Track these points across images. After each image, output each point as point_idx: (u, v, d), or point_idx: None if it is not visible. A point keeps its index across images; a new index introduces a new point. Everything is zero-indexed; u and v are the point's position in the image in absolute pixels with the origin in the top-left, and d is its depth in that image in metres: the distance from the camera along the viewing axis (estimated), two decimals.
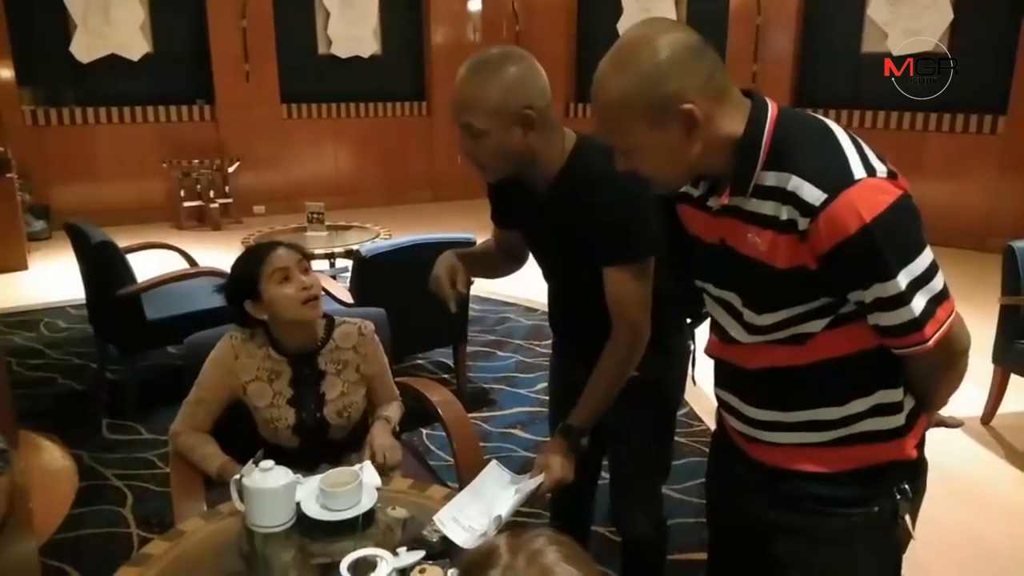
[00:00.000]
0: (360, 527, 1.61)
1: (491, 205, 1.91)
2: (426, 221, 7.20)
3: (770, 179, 1.16)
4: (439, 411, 2.22)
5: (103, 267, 3.54)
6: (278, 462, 1.64)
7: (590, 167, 1.62)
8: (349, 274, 3.67)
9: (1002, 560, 2.64)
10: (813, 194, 1.11)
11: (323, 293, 2.02)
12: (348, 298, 3.39)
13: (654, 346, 1.69)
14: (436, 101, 8.53)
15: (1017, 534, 2.77)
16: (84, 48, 7.14)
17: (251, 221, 7.46)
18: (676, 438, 2.06)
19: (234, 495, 1.65)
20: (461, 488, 1.72)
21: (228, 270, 2.10)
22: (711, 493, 1.59)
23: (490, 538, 1.26)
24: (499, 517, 1.52)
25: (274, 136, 7.94)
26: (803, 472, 1.29)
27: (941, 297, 1.14)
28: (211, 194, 7.52)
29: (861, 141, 1.17)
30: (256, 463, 1.62)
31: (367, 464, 1.81)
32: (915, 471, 1.31)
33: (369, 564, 1.44)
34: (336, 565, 1.45)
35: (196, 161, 7.58)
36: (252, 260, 1.97)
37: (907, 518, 1.29)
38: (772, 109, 1.19)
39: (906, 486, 1.28)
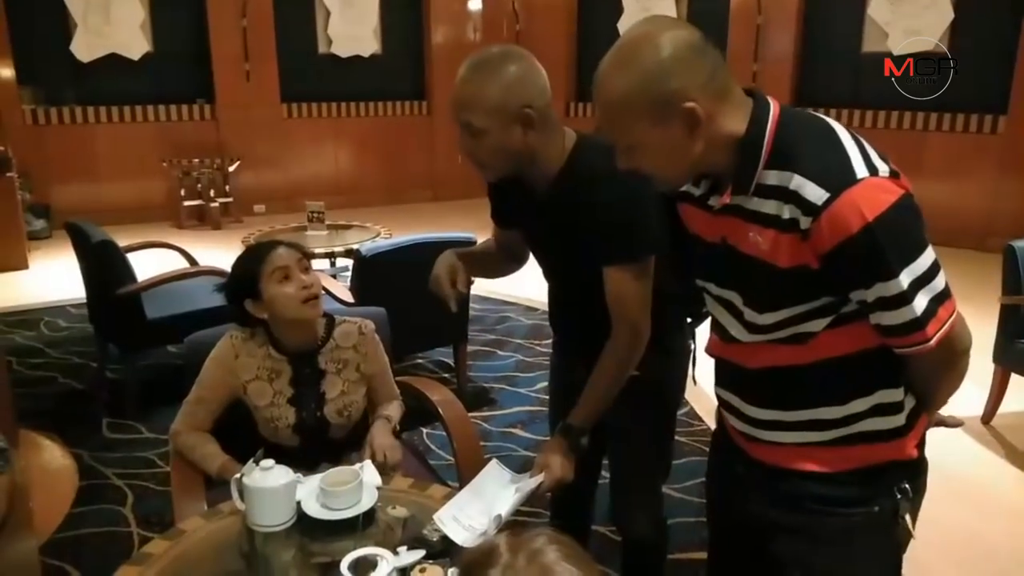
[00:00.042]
0: (360, 526, 1.61)
1: (491, 204, 1.91)
2: (426, 220, 7.20)
3: (772, 178, 1.16)
4: (439, 410, 2.22)
5: (103, 266, 3.54)
6: (278, 461, 1.64)
7: (590, 166, 1.62)
8: (349, 273, 3.67)
9: (1002, 560, 2.64)
10: (815, 193, 1.11)
11: (323, 292, 2.02)
12: (348, 297, 3.39)
13: (654, 345, 1.69)
14: (436, 100, 8.53)
15: (1017, 534, 2.77)
16: (84, 47, 7.15)
17: (251, 220, 7.46)
18: (676, 437, 2.06)
19: (234, 494, 1.65)
20: (461, 487, 1.72)
21: (228, 269, 2.10)
22: (711, 492, 1.59)
23: (490, 537, 1.26)
24: (499, 516, 1.52)
25: (274, 135, 7.94)
26: (803, 471, 1.29)
27: (943, 297, 1.14)
28: (211, 193, 7.53)
29: (863, 140, 1.17)
30: (256, 462, 1.62)
31: (367, 463, 1.81)
32: (915, 471, 1.31)
33: (369, 563, 1.44)
34: (336, 564, 1.45)
35: (196, 160, 7.58)
36: (252, 259, 1.97)
37: (907, 518, 1.29)
38: (774, 108, 1.19)
39: (906, 486, 1.28)
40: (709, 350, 1.43)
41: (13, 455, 2.02)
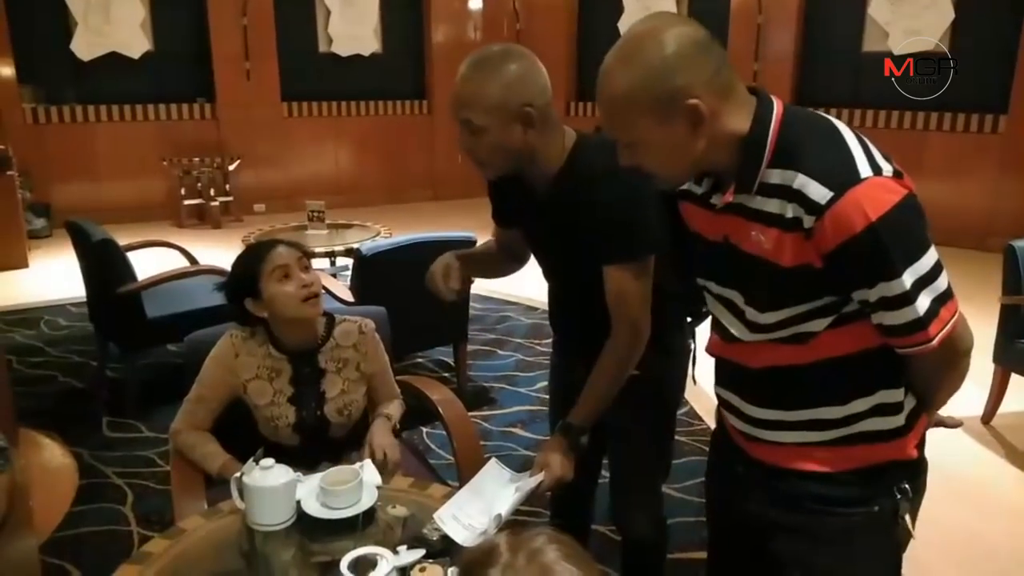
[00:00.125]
0: (360, 525, 1.61)
1: (492, 204, 1.91)
2: (426, 220, 7.20)
3: (775, 177, 1.16)
4: (439, 410, 2.22)
5: (103, 265, 3.54)
6: (278, 460, 1.64)
7: (590, 166, 1.62)
8: (350, 273, 3.67)
9: (1002, 560, 2.63)
10: (819, 192, 1.10)
11: (323, 291, 2.02)
12: (348, 296, 3.39)
13: (654, 344, 1.69)
14: (437, 100, 8.53)
15: (1017, 534, 2.77)
16: (85, 46, 7.14)
17: (251, 219, 7.46)
18: (676, 437, 2.05)
19: (234, 493, 1.65)
20: (461, 487, 1.72)
21: (228, 268, 2.10)
22: (711, 492, 1.59)
23: (490, 536, 1.26)
24: (499, 515, 1.52)
25: (275, 134, 7.94)
26: (803, 471, 1.29)
27: (945, 297, 1.14)
28: (211, 192, 7.52)
29: (867, 140, 1.16)
30: (256, 461, 1.62)
31: (367, 462, 1.81)
32: (915, 471, 1.31)
33: (369, 562, 1.44)
34: (336, 563, 1.45)
35: (197, 159, 7.58)
36: (252, 258, 1.97)
37: (907, 518, 1.29)
38: (778, 107, 1.18)
39: (906, 486, 1.28)
40: (709, 349, 1.42)
41: (13, 454, 2.02)
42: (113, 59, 7.24)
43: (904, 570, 1.36)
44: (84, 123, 7.32)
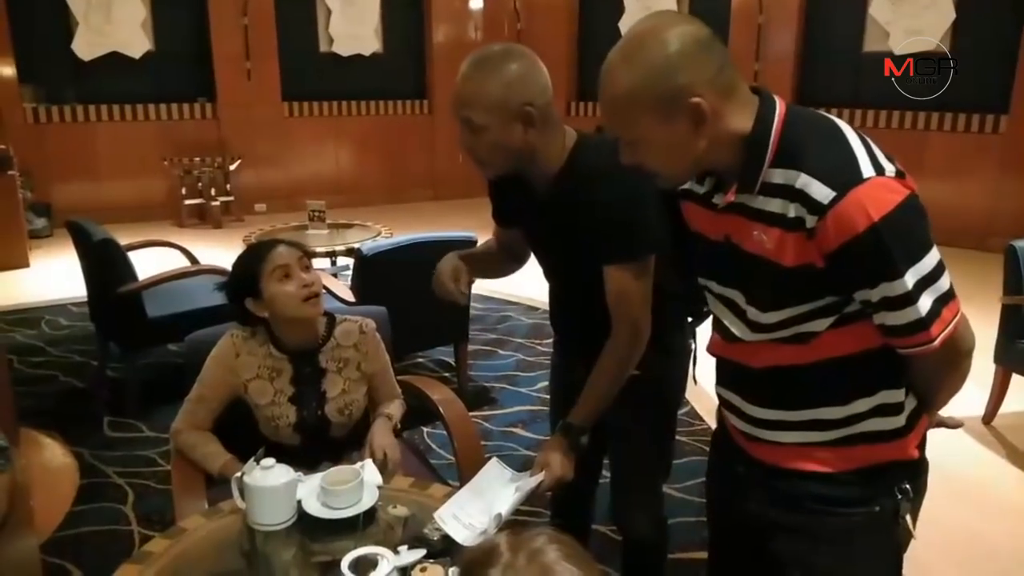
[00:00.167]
0: (361, 525, 1.61)
1: (492, 204, 1.91)
2: (427, 220, 7.20)
3: (778, 176, 1.16)
4: (440, 409, 2.22)
5: (104, 265, 3.55)
6: (279, 460, 1.64)
7: (590, 165, 1.62)
8: (350, 272, 3.67)
9: (1003, 560, 2.63)
10: (822, 192, 1.10)
11: (324, 291, 2.02)
12: (349, 296, 3.39)
13: (654, 344, 1.69)
14: (437, 100, 8.53)
15: (1018, 534, 2.77)
16: (85, 46, 7.14)
17: (252, 219, 7.46)
18: (677, 437, 2.06)
19: (235, 493, 1.65)
20: (462, 486, 1.72)
21: (229, 268, 2.10)
22: (711, 492, 1.59)
23: (491, 536, 1.26)
24: (499, 515, 1.52)
25: (275, 134, 7.94)
26: (804, 471, 1.29)
27: (947, 297, 1.14)
28: (212, 192, 7.53)
29: (869, 140, 1.16)
30: (257, 461, 1.62)
31: (368, 462, 1.81)
32: (916, 471, 1.31)
33: (370, 562, 1.44)
34: (337, 563, 1.45)
35: (197, 159, 7.58)
36: (253, 258, 1.97)
37: (908, 518, 1.29)
38: (780, 106, 1.18)
39: (907, 486, 1.28)
40: (711, 349, 1.42)
41: (14, 453, 2.02)
42: (114, 59, 7.24)
43: (905, 570, 1.36)
44: (85, 123, 7.32)
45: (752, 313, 1.26)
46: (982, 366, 3.30)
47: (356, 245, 4.24)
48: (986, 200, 6.42)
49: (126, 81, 7.39)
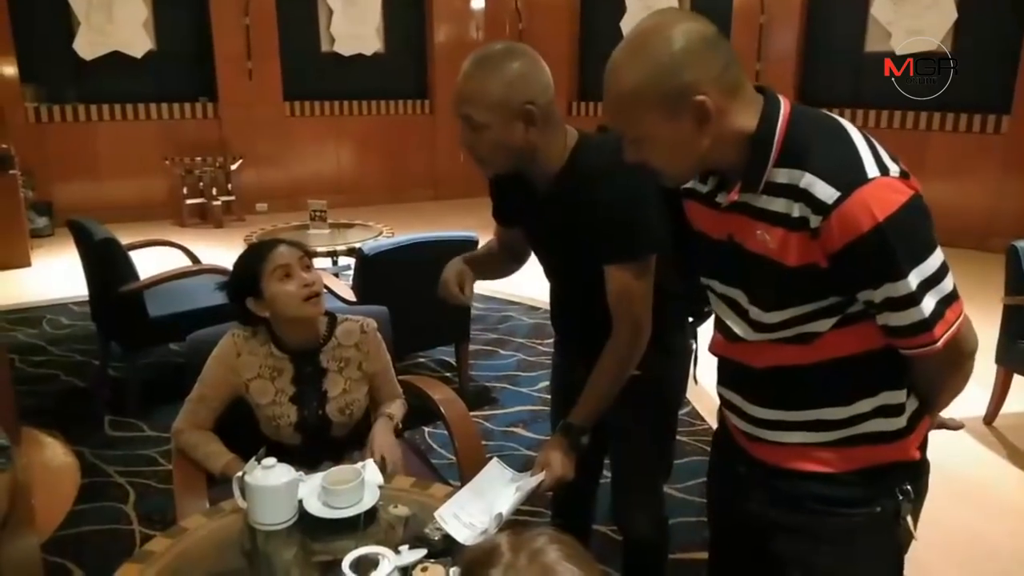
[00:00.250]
0: (362, 525, 1.61)
1: (493, 203, 1.91)
2: (428, 219, 7.20)
3: (782, 176, 1.15)
4: (441, 409, 2.22)
5: (105, 264, 3.55)
6: (280, 460, 1.64)
7: (591, 165, 1.62)
8: (351, 272, 3.67)
9: (1004, 560, 2.63)
10: (826, 192, 1.10)
11: (325, 290, 2.02)
12: (350, 296, 3.39)
13: (655, 344, 1.69)
14: (438, 99, 8.53)
15: (1019, 534, 2.77)
16: (87, 45, 7.15)
17: (253, 219, 7.46)
18: (678, 437, 2.05)
19: (236, 492, 1.65)
20: (463, 486, 1.72)
21: (230, 268, 2.10)
22: (712, 492, 1.59)
23: (491, 536, 1.26)
24: (500, 515, 1.52)
25: (277, 134, 7.94)
26: (805, 471, 1.29)
27: (951, 298, 1.14)
28: (214, 191, 7.53)
29: (874, 140, 1.16)
30: (258, 460, 1.62)
31: (369, 462, 1.81)
32: (917, 472, 1.31)
33: (371, 562, 1.44)
34: (338, 563, 1.45)
35: (199, 158, 7.58)
36: (254, 257, 1.97)
37: (909, 519, 1.29)
38: (785, 106, 1.18)
39: (908, 487, 1.28)
40: (713, 349, 1.42)
41: (15, 453, 2.02)
42: (115, 58, 7.24)
43: (906, 571, 1.36)
44: (86, 122, 7.32)
45: (754, 313, 1.25)
46: (983, 366, 3.27)
47: (357, 245, 4.24)
48: (987, 200, 6.41)
49: (127, 81, 7.39)
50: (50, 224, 6.94)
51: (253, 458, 1.64)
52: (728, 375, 1.40)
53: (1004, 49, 6.21)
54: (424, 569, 1.42)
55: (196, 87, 7.68)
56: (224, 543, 1.65)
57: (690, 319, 1.81)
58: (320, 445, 1.99)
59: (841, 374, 1.23)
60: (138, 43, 7.31)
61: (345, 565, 1.43)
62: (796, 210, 1.14)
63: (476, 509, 1.57)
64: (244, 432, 1.98)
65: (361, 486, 1.65)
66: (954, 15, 6.28)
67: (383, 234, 4.90)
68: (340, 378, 2.02)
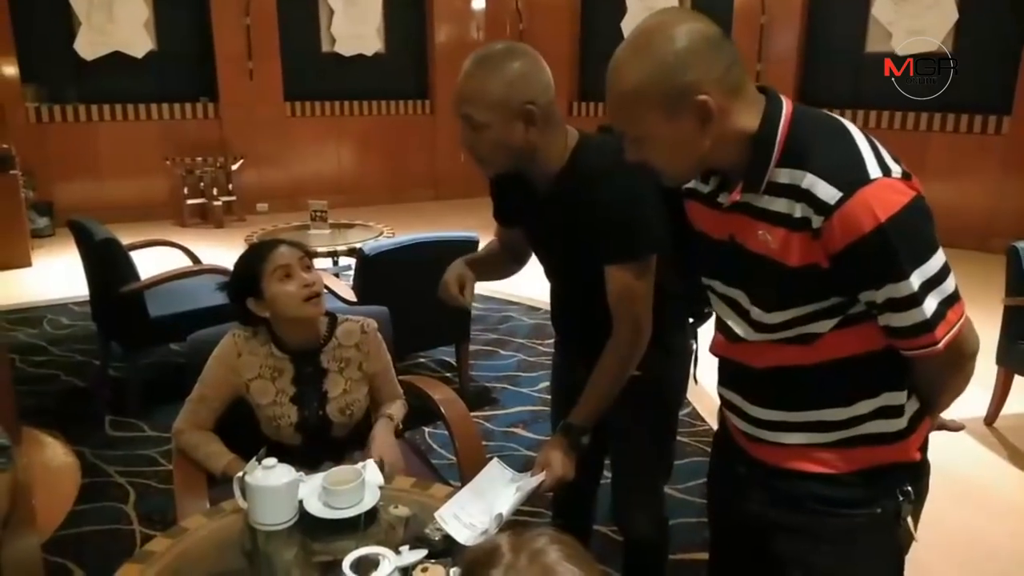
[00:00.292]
0: (362, 525, 1.61)
1: (493, 203, 1.91)
2: (428, 219, 7.20)
3: (784, 176, 1.15)
4: (441, 409, 2.22)
5: (106, 264, 3.55)
6: (281, 460, 1.64)
7: (592, 165, 1.62)
8: (352, 272, 3.67)
9: (1004, 561, 2.63)
10: (828, 192, 1.10)
11: (326, 291, 2.02)
12: (351, 296, 3.39)
13: (655, 344, 1.69)
14: (439, 99, 8.53)
15: (1020, 535, 2.77)
16: (88, 45, 7.15)
17: (254, 219, 7.46)
18: (678, 438, 2.05)
19: (237, 492, 1.65)
20: (463, 486, 1.72)
21: (231, 268, 2.10)
22: (712, 492, 1.59)
23: (492, 536, 1.26)
24: (500, 515, 1.52)
25: (277, 134, 7.95)
26: (805, 472, 1.29)
27: (952, 299, 1.14)
28: (214, 192, 7.53)
29: (876, 141, 1.16)
30: (259, 461, 1.62)
31: (370, 462, 1.81)
32: (918, 473, 1.31)
33: (371, 562, 1.44)
34: (338, 563, 1.45)
35: (199, 159, 7.58)
36: (254, 258, 1.97)
37: (909, 520, 1.29)
38: (787, 106, 1.18)
39: (909, 488, 1.28)
40: (713, 349, 1.42)
41: (15, 453, 2.02)
42: (116, 58, 7.24)
43: (906, 571, 1.36)
44: (87, 122, 7.32)
45: (756, 313, 1.25)
46: (984, 367, 3.25)
47: (358, 245, 4.24)
48: (988, 201, 6.41)
49: (128, 81, 7.39)
50: (51, 224, 6.94)
51: (254, 458, 1.64)
52: (729, 375, 1.40)
53: (1004, 50, 6.21)
54: (424, 569, 1.42)
55: (197, 87, 7.68)
56: (224, 543, 1.65)
57: (690, 320, 1.81)
58: (320, 445, 1.99)
59: (842, 375, 1.23)
60: (139, 43, 7.31)
61: (345, 565, 1.43)
62: (798, 210, 1.14)
63: (476, 509, 1.57)
64: (244, 432, 1.98)
65: (361, 486, 1.65)
66: (955, 15, 6.27)
67: (383, 234, 4.90)
68: (340, 378, 2.02)
